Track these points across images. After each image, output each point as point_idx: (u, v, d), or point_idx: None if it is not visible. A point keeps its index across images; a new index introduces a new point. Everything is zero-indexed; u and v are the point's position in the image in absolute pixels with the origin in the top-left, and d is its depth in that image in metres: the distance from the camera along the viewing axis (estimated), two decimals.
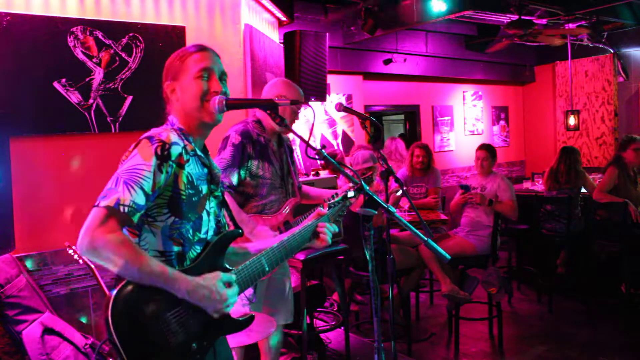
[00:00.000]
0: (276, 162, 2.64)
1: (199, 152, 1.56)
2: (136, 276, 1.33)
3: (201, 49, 1.57)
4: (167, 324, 1.38)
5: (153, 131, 1.48)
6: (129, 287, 1.34)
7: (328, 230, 1.69)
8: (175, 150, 1.45)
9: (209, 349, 1.47)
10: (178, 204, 1.45)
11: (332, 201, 1.79)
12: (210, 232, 1.58)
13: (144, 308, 1.35)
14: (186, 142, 1.52)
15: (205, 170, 1.57)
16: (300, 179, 3.39)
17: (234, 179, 2.50)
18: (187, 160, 1.49)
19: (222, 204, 1.66)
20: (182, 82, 1.54)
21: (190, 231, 1.49)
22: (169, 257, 1.46)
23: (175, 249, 1.47)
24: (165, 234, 1.46)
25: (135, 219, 1.37)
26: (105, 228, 1.31)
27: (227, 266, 1.56)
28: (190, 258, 1.50)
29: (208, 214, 1.56)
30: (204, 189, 1.54)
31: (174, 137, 1.47)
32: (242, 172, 2.52)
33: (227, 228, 1.67)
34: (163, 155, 1.41)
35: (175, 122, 1.56)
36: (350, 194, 1.94)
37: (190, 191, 1.48)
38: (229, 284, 1.44)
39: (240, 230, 1.62)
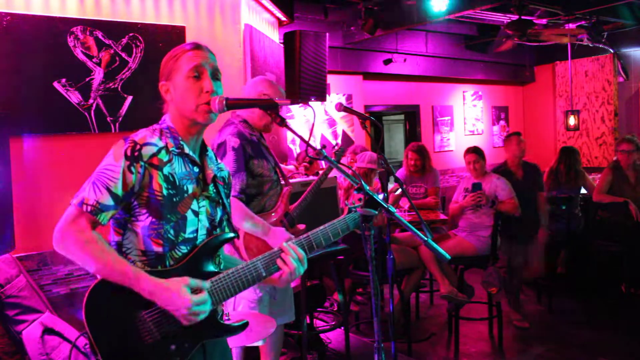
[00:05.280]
0: (270, 158, 2.67)
1: (187, 151, 1.52)
2: (103, 274, 1.36)
3: (194, 47, 1.52)
4: (142, 323, 1.38)
5: (137, 132, 1.48)
6: (105, 284, 1.37)
7: (292, 257, 1.50)
8: (148, 151, 1.43)
9: (191, 351, 1.44)
10: (154, 205, 1.43)
11: (355, 205, 1.63)
12: (202, 232, 1.52)
13: (118, 305, 1.37)
14: (168, 142, 1.49)
15: (196, 169, 1.53)
16: (301, 179, 3.39)
17: (243, 184, 2.47)
18: (169, 160, 1.46)
19: (219, 204, 1.59)
20: (175, 82, 1.51)
21: (172, 232, 1.46)
22: (150, 257, 1.45)
23: (155, 249, 1.45)
24: (145, 234, 1.44)
25: (102, 219, 1.38)
26: (75, 226, 1.36)
27: (215, 269, 1.52)
28: (175, 258, 1.47)
29: (196, 214, 1.50)
30: (190, 188, 1.50)
31: (150, 137, 1.46)
32: (246, 174, 2.49)
33: (221, 230, 1.60)
34: (133, 156, 1.41)
35: (166, 120, 1.54)
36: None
37: (170, 191, 1.45)
38: (197, 290, 1.39)
39: (233, 234, 1.56)
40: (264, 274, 1.50)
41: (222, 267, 1.60)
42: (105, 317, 1.37)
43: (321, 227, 1.59)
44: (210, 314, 1.45)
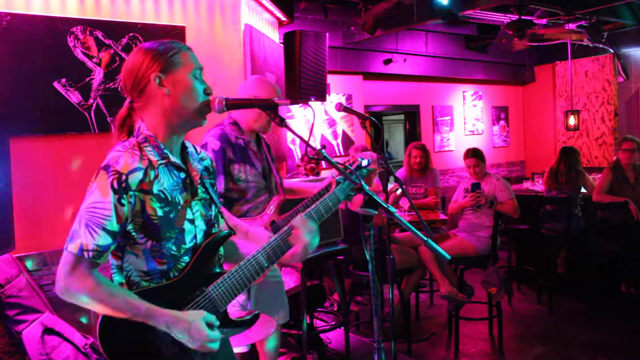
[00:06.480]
0: (258, 163, 2.57)
1: (172, 159, 1.46)
2: (115, 316, 1.34)
3: (189, 48, 1.50)
4: (160, 338, 1.40)
5: (113, 155, 1.40)
6: None
7: (304, 230, 1.54)
8: (135, 179, 1.37)
9: (206, 356, 1.47)
10: (152, 228, 1.40)
11: (340, 177, 1.66)
12: (200, 236, 1.51)
13: (134, 324, 1.36)
14: (151, 157, 1.42)
15: (182, 174, 1.49)
16: (300, 179, 3.38)
17: (221, 187, 2.42)
18: (156, 177, 1.41)
19: (210, 201, 1.57)
20: (175, 77, 1.44)
21: (174, 248, 1.44)
22: (154, 275, 1.43)
23: (160, 268, 1.43)
24: (147, 256, 1.42)
25: (102, 260, 1.35)
26: (77, 274, 1.32)
27: (218, 270, 1.53)
28: (178, 269, 1.46)
29: (192, 221, 1.48)
30: (181, 198, 1.46)
31: (132, 160, 1.38)
32: (225, 178, 2.45)
33: (219, 226, 1.60)
34: (120, 188, 1.34)
35: (142, 129, 1.45)
36: (365, 162, 1.84)
37: (165, 209, 1.41)
38: (211, 325, 1.41)
39: (229, 232, 1.57)
40: (265, 265, 1.52)
41: (222, 261, 1.60)
42: (121, 335, 1.37)
43: (313, 205, 1.62)
44: (221, 313, 1.48)
